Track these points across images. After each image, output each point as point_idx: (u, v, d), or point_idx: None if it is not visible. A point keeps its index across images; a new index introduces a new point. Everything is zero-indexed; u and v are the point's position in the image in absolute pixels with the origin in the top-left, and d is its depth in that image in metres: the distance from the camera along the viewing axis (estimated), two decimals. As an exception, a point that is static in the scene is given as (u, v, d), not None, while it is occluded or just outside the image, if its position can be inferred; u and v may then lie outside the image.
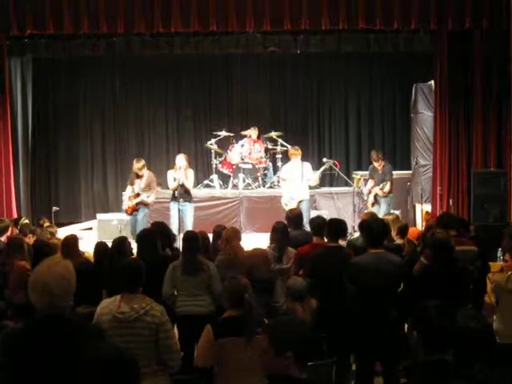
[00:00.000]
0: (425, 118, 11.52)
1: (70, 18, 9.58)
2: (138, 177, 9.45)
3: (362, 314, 4.87)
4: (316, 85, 13.51)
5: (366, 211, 8.81)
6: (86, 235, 10.81)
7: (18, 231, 7.58)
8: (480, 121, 10.12)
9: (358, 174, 11.97)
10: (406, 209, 11.51)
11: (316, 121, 13.63)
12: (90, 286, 4.86)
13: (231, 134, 12.39)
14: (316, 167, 11.18)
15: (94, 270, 5.60)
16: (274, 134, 12.17)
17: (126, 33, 10.14)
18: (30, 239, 7.12)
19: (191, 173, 9.64)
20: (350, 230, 9.20)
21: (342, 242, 6.09)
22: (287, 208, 8.79)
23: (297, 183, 9.63)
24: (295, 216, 6.86)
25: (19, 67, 11.24)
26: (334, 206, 11.34)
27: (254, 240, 9.15)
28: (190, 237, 5.73)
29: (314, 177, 10.13)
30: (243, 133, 12.36)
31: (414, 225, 10.68)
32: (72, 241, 6.14)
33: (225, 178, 12.26)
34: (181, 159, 9.51)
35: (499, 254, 7.08)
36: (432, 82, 10.93)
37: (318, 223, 6.04)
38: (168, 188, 9.82)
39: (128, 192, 9.58)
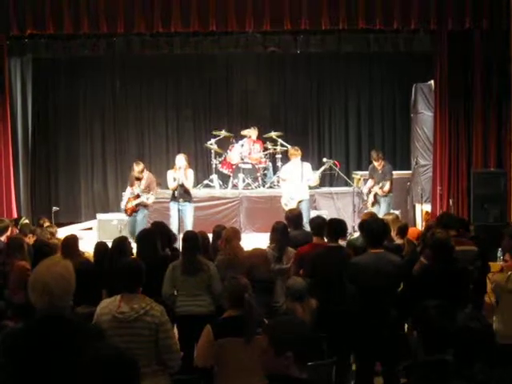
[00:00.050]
0: (425, 117, 11.51)
1: (70, 18, 9.59)
2: (138, 179, 9.48)
3: (361, 313, 4.87)
4: (316, 85, 13.51)
5: (365, 211, 8.81)
6: (86, 235, 10.81)
7: (17, 231, 7.58)
8: (480, 121, 10.12)
9: (358, 174, 11.97)
10: (406, 209, 11.51)
11: (316, 121, 13.63)
12: (89, 286, 4.86)
13: (231, 135, 12.39)
14: (316, 167, 11.18)
15: (93, 270, 5.60)
16: (274, 134, 12.17)
17: (125, 33, 10.15)
18: (30, 239, 7.12)
19: (191, 173, 9.64)
20: (349, 230, 9.20)
21: (342, 242, 6.09)
22: (287, 208, 8.78)
23: (297, 183, 9.63)
24: (295, 216, 6.86)
25: (19, 67, 11.24)
26: (334, 206, 11.34)
27: (254, 240, 9.14)
28: (189, 237, 5.73)
29: (314, 177, 10.13)
30: (243, 133, 12.36)
31: (414, 225, 10.68)
32: (72, 241, 6.14)
33: (224, 178, 12.26)
34: (181, 159, 9.51)
35: (499, 253, 7.09)
36: (432, 81, 10.92)
37: (318, 223, 6.04)
38: (168, 188, 9.82)
39: (127, 193, 9.58)
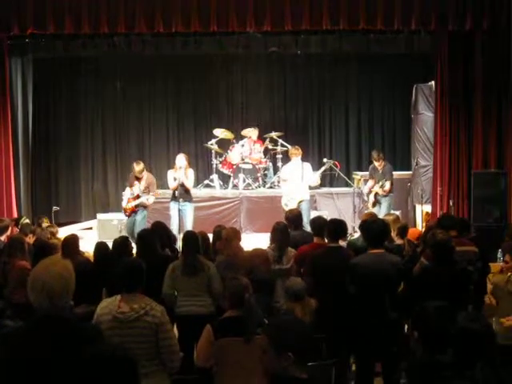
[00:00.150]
0: (425, 118, 11.50)
1: (71, 18, 9.59)
2: (138, 179, 9.45)
3: (361, 314, 4.87)
4: (316, 85, 13.50)
5: (366, 211, 8.80)
6: (85, 235, 10.81)
7: (18, 231, 7.58)
8: (480, 121, 10.12)
9: (358, 175, 11.98)
10: (407, 209, 11.51)
11: (316, 121, 13.62)
12: (89, 286, 4.87)
13: (232, 135, 12.38)
14: (316, 167, 11.17)
15: (93, 270, 5.60)
16: (274, 134, 12.17)
17: (126, 33, 10.15)
18: (31, 239, 7.12)
19: (191, 173, 9.64)
20: (350, 230, 9.20)
21: (343, 243, 6.09)
22: (287, 208, 8.77)
23: (297, 183, 9.62)
24: (294, 216, 6.85)
25: (20, 67, 11.23)
26: (335, 206, 11.34)
27: (254, 240, 9.15)
28: (189, 237, 5.74)
29: (315, 177, 10.13)
30: (243, 133, 12.36)
31: (414, 225, 10.68)
32: (72, 241, 6.14)
33: (225, 178, 12.26)
34: (181, 159, 9.51)
35: (499, 254, 7.08)
36: (432, 82, 10.92)
37: (319, 224, 6.04)
38: (168, 188, 9.82)
39: (127, 194, 9.56)
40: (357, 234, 8.06)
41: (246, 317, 3.99)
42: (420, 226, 10.50)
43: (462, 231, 6.29)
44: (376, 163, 10.15)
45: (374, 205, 9.99)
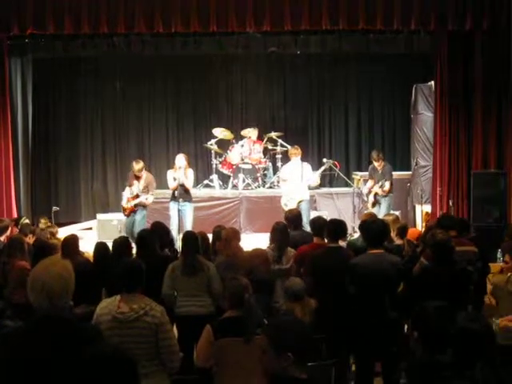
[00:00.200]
0: (425, 118, 11.50)
1: (71, 18, 9.59)
2: (137, 178, 9.44)
3: (361, 314, 4.87)
4: (316, 85, 13.50)
5: (365, 212, 8.80)
6: (85, 235, 10.81)
7: (18, 231, 7.58)
8: (480, 121, 10.13)
9: (358, 175, 11.98)
10: (406, 209, 11.50)
11: (316, 121, 13.63)
12: (89, 286, 4.86)
13: (232, 136, 12.38)
14: (316, 167, 11.18)
15: (93, 270, 5.60)
16: (274, 134, 12.17)
17: (126, 33, 10.15)
18: (30, 239, 7.12)
19: (191, 173, 9.64)
20: (349, 230, 9.20)
21: (342, 243, 6.09)
22: (287, 208, 8.77)
23: (297, 183, 9.62)
24: (294, 216, 6.85)
25: (19, 67, 11.24)
26: (334, 206, 11.34)
27: (254, 240, 9.15)
28: (189, 237, 5.73)
29: (314, 177, 10.12)
30: (243, 133, 12.36)
31: (414, 225, 10.67)
32: (72, 241, 6.14)
33: (225, 178, 12.26)
34: (181, 159, 9.51)
35: (499, 254, 7.08)
36: (432, 83, 10.92)
37: (319, 224, 6.04)
38: (168, 188, 9.82)
39: (126, 193, 9.55)
40: (356, 234, 8.06)
41: (245, 317, 3.99)
42: (420, 226, 10.50)
43: (462, 231, 6.30)
44: (376, 163, 10.15)
45: (373, 205, 9.98)
